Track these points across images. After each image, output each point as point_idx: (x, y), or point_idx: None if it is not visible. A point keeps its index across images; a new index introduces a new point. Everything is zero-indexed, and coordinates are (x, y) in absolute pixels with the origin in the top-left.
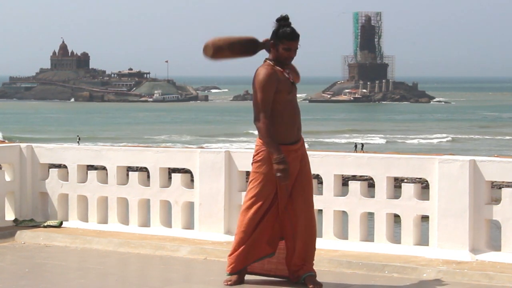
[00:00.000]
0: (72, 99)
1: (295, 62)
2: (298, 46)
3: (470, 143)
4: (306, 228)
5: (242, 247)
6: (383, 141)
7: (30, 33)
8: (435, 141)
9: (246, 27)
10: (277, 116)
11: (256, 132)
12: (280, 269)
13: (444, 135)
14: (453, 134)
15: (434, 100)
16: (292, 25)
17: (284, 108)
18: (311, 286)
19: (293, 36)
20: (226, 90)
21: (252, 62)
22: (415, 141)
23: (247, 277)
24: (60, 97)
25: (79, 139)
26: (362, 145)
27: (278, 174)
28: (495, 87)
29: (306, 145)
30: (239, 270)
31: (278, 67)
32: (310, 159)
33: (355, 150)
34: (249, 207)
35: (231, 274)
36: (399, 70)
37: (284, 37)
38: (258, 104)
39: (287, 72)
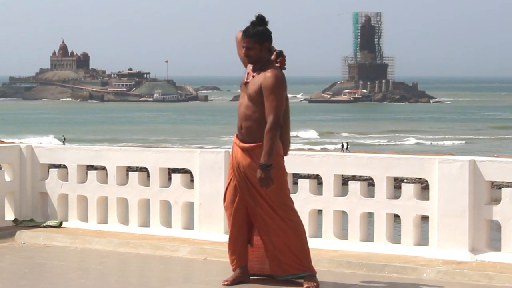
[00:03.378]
0: (66, 99)
1: (294, 60)
2: (254, 46)
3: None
4: (288, 231)
5: (230, 238)
6: (421, 141)
7: (30, 33)
8: (463, 142)
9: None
10: None
11: None
12: (265, 268)
13: (472, 136)
14: (482, 136)
15: (434, 100)
16: (263, 26)
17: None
18: (306, 285)
19: (244, 33)
20: (229, 90)
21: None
22: (449, 142)
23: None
24: (60, 97)
25: (64, 139)
26: (348, 144)
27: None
28: (496, 87)
29: (339, 146)
30: (240, 265)
31: (250, 68)
32: (310, 159)
33: (342, 150)
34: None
35: (235, 270)
36: (399, 70)
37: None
38: None
39: (248, 74)
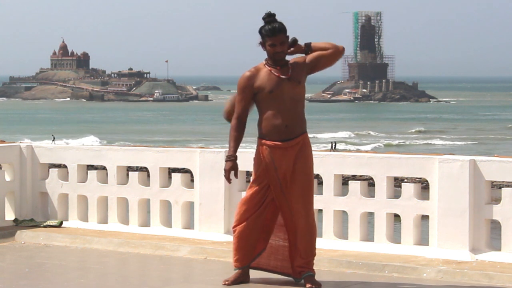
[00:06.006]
0: (66, 99)
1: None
2: (285, 39)
3: None
4: (306, 230)
5: (239, 240)
6: (449, 142)
7: (30, 33)
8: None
9: (245, 27)
10: (260, 113)
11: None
12: (285, 267)
13: (490, 136)
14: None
15: (435, 100)
16: (278, 20)
17: (267, 105)
18: (308, 285)
19: (273, 32)
20: (229, 90)
21: (256, 62)
22: (471, 142)
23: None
24: (60, 97)
25: (54, 138)
26: (335, 143)
27: (223, 171)
28: (496, 87)
29: (371, 146)
30: (243, 266)
31: (269, 66)
32: None
33: (332, 149)
34: (243, 200)
35: (236, 269)
36: (399, 70)
37: (266, 34)
38: (236, 105)
39: (277, 69)
